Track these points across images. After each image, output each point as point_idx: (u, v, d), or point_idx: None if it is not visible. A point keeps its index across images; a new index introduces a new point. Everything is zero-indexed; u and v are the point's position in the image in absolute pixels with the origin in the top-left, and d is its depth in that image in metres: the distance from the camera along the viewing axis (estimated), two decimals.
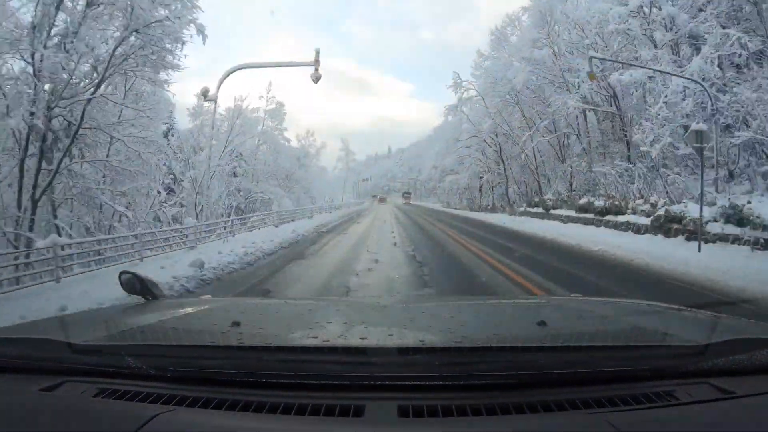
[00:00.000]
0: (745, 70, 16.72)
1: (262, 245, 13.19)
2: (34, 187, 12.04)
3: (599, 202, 18.11)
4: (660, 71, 17.52)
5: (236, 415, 0.91)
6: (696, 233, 10.32)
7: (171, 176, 23.77)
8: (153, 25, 12.58)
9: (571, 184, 26.25)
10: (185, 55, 16.70)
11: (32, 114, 11.27)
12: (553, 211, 22.65)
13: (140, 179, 16.27)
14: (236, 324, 1.27)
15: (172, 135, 25.77)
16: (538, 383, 0.99)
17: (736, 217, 10.38)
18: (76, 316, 2.64)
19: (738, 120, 15.55)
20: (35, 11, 11.65)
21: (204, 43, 14.20)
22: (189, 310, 1.74)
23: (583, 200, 19.76)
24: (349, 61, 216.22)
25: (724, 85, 16.57)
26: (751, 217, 10.00)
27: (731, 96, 15.68)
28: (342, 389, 0.98)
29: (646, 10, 20.44)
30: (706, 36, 17.11)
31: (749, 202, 10.94)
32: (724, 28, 16.78)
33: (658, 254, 9.80)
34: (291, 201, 34.38)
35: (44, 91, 11.81)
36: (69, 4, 12.18)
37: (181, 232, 14.72)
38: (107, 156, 15.25)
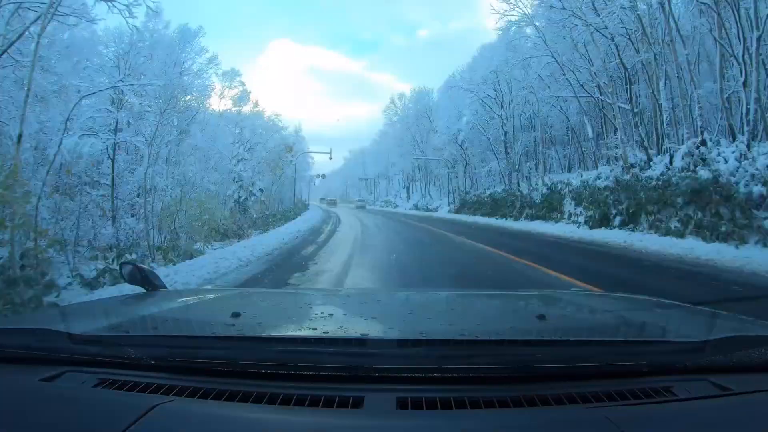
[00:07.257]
0: None
1: None
2: None
3: None
4: None
5: (236, 406, 0.91)
6: None
7: None
8: None
9: None
10: None
11: None
12: None
13: None
14: (236, 315, 1.27)
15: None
16: (536, 377, 1.00)
17: None
18: (76, 306, 2.65)
19: None
20: None
21: None
22: (189, 300, 1.74)
23: None
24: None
25: None
26: None
27: None
28: (341, 380, 0.98)
29: None
30: None
31: None
32: None
33: None
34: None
35: None
36: None
37: None
38: None
